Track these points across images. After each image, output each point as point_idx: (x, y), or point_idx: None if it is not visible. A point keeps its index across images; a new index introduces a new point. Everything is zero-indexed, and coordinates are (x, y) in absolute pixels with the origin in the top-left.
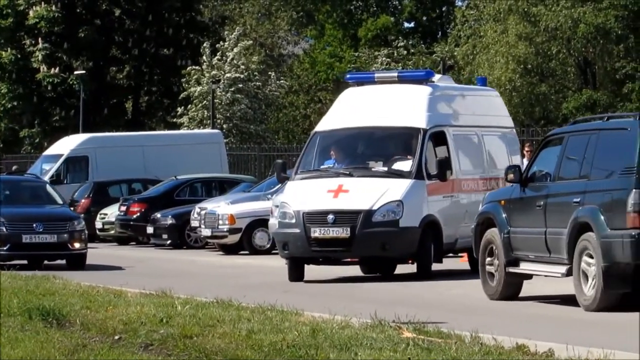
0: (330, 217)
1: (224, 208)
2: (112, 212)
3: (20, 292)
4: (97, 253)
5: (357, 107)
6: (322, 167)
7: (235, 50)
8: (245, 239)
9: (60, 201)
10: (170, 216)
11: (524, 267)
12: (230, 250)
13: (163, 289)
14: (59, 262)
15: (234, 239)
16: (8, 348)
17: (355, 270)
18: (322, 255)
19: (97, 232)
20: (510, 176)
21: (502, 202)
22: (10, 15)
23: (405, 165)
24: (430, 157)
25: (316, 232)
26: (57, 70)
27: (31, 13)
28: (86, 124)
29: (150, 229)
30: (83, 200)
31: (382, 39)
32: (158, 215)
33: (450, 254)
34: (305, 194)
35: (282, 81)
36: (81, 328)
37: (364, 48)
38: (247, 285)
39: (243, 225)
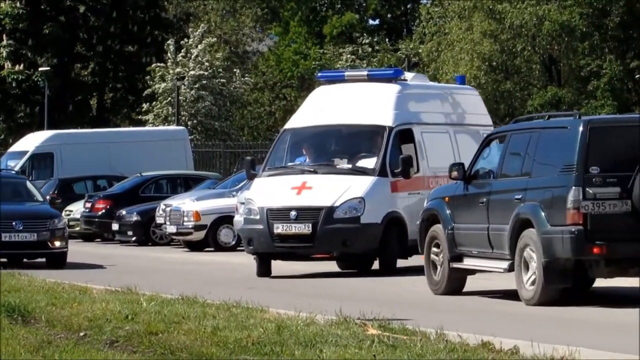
0: (293, 213)
1: (189, 205)
2: (77, 209)
3: None
4: None
5: (326, 105)
6: (290, 164)
7: (199, 47)
8: (210, 236)
9: (40, 198)
10: (135, 213)
11: (468, 263)
12: (195, 247)
13: (128, 286)
14: (39, 260)
15: (199, 235)
16: None
17: (323, 266)
18: (284, 251)
19: None
20: (454, 173)
21: (447, 198)
22: None
23: (369, 162)
24: (396, 154)
25: (279, 229)
26: (21, 67)
27: None
28: (51, 120)
29: (115, 226)
30: (48, 197)
31: (347, 36)
32: (123, 212)
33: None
34: (269, 191)
35: (246, 78)
36: (46, 325)
37: (329, 45)
38: (212, 282)
39: (208, 222)
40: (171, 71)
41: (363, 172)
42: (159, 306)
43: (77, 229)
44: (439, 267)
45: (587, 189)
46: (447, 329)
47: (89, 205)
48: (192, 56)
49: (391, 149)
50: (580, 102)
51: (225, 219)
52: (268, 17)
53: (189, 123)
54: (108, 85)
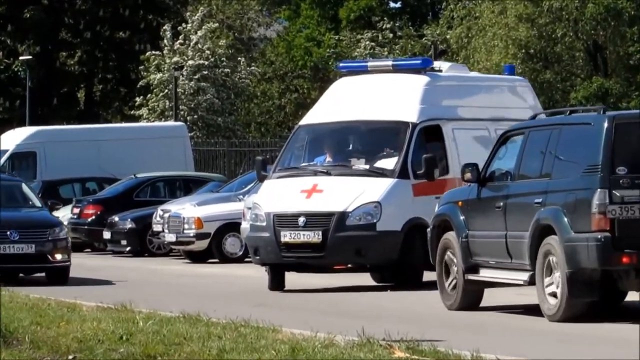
0: (302, 219)
1: (190, 210)
2: (63, 215)
3: None
4: None
5: (346, 99)
6: (304, 164)
7: (199, 33)
8: (214, 245)
9: (38, 204)
10: (129, 219)
11: (484, 274)
12: (197, 258)
13: (122, 303)
14: (37, 275)
15: (201, 245)
16: None
17: (343, 279)
18: (292, 262)
19: None
20: (467, 175)
21: (460, 203)
22: None
23: (389, 163)
24: (420, 154)
25: (286, 237)
26: (0, 55)
27: None
28: (33, 115)
29: (107, 234)
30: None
31: (365, 20)
32: (116, 218)
33: None
34: (277, 195)
35: (253, 68)
36: (31, 346)
37: (345, 31)
38: (217, 297)
39: (212, 229)
40: (168, 60)
41: (381, 173)
42: (157, 325)
43: None
44: (452, 280)
45: (613, 191)
46: (483, 351)
47: (76, 210)
48: (192, 43)
49: (414, 148)
50: (630, 94)
51: (230, 226)
52: None
53: (189, 118)
54: (97, 76)
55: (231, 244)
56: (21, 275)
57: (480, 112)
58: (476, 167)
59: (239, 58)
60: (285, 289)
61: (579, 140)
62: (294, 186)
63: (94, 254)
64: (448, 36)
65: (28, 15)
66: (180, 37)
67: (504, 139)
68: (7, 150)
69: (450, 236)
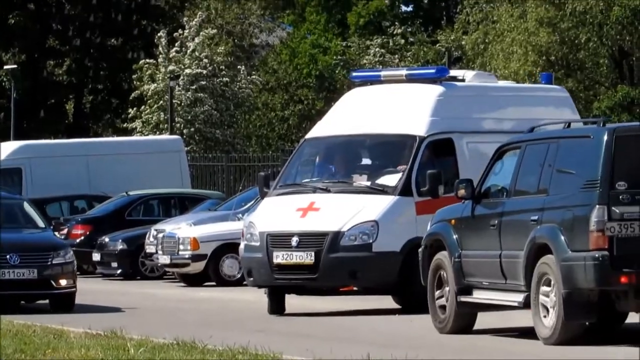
0: (295, 239)
1: (186, 230)
2: None
3: None
4: None
5: (355, 111)
6: (305, 180)
7: (197, 40)
8: (211, 268)
9: (42, 224)
10: (120, 240)
11: (478, 296)
12: (193, 281)
13: (112, 329)
14: (40, 302)
15: (197, 267)
16: None
17: (347, 302)
18: (285, 284)
19: None
20: (461, 192)
21: (453, 221)
22: None
23: (392, 179)
24: (429, 169)
25: (279, 257)
26: None
27: None
28: (19, 129)
29: (96, 256)
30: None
31: (375, 25)
32: (106, 239)
33: None
34: (273, 213)
35: (254, 77)
36: None
37: (354, 37)
38: (213, 323)
39: (208, 250)
40: (163, 69)
41: (382, 190)
42: (149, 353)
43: None
44: (444, 302)
45: (612, 207)
46: None
47: (64, 231)
48: (188, 51)
49: (420, 163)
50: None
51: (228, 247)
52: (279, 2)
53: (185, 131)
54: (87, 87)
55: (229, 266)
56: (23, 302)
57: (504, 124)
58: (470, 183)
59: (239, 66)
60: (287, 313)
61: (577, 154)
62: (290, 204)
63: (82, 277)
64: (463, 42)
65: (13, 22)
66: (177, 44)
67: (499, 154)
68: None
69: (443, 256)
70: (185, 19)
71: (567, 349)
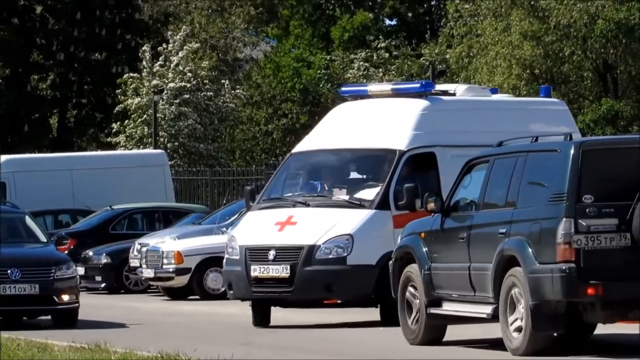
0: (272, 253)
1: (170, 244)
2: None
3: None
4: None
5: (341, 126)
6: (287, 195)
7: (180, 54)
8: (195, 281)
9: (43, 238)
10: (104, 254)
11: (447, 308)
12: (177, 294)
13: (96, 342)
14: (43, 318)
15: (181, 281)
16: None
17: (333, 315)
18: (262, 297)
19: None
20: (431, 205)
21: (423, 234)
22: None
23: (370, 193)
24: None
25: (256, 271)
26: None
27: None
28: (3, 143)
29: (80, 270)
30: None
31: (359, 39)
32: (90, 252)
33: None
34: (252, 227)
35: (238, 91)
36: None
37: (338, 50)
38: (197, 336)
39: (192, 264)
40: (147, 83)
41: (359, 204)
42: None
43: None
44: (415, 313)
45: (579, 220)
46: None
47: None
48: (172, 65)
49: (399, 177)
50: None
51: (213, 260)
52: (263, 17)
53: (169, 145)
54: (71, 101)
55: (213, 280)
56: (25, 318)
57: (493, 138)
58: (440, 196)
59: (223, 81)
60: (272, 325)
61: (544, 167)
62: (270, 218)
63: None
64: (447, 56)
65: None
66: (160, 58)
67: (468, 167)
68: None
69: (413, 269)
70: (169, 33)
71: None
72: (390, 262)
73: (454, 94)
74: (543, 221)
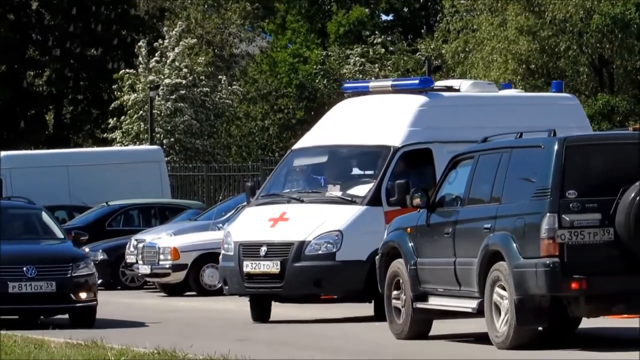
0: (263, 249)
1: (166, 240)
2: None
3: None
4: None
5: (341, 122)
6: (285, 191)
7: (176, 49)
8: (191, 277)
9: (60, 235)
10: (100, 250)
11: (433, 302)
12: (173, 290)
13: (93, 339)
14: (59, 317)
15: (178, 277)
16: None
17: (335, 310)
18: (254, 292)
19: None
20: (416, 201)
21: (409, 229)
22: None
23: (362, 189)
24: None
25: (248, 267)
26: None
27: None
28: None
29: None
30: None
31: (355, 34)
32: (86, 249)
33: None
34: (247, 223)
35: (234, 87)
36: None
37: (334, 46)
38: (194, 332)
39: (189, 260)
40: (143, 79)
41: (351, 200)
42: None
43: None
44: (401, 308)
45: (563, 215)
46: None
47: None
48: (168, 61)
49: (392, 173)
50: (638, 111)
51: (209, 256)
52: (259, 12)
53: (165, 141)
54: (67, 97)
55: (209, 276)
56: (42, 317)
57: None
58: (425, 192)
59: (220, 76)
60: (270, 320)
61: (528, 163)
62: (264, 214)
63: None
64: (443, 51)
65: None
66: (157, 54)
67: (454, 163)
68: None
69: (399, 264)
70: (165, 29)
71: (520, 353)
72: (377, 257)
73: (458, 90)
74: (527, 216)
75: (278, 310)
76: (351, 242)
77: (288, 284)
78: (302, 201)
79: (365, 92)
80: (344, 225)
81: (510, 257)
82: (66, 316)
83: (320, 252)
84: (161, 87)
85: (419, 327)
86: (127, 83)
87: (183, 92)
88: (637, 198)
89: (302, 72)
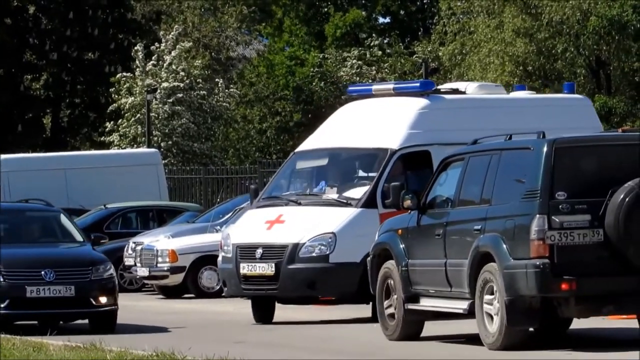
0: (259, 251)
1: (164, 243)
2: None
3: None
4: None
5: (343, 125)
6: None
7: (173, 53)
8: (189, 280)
9: (80, 238)
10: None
11: (424, 304)
12: (172, 293)
13: (92, 341)
14: (79, 322)
15: (176, 279)
16: None
17: (336, 312)
18: (250, 294)
19: None
20: (407, 202)
21: (400, 231)
22: None
23: (358, 192)
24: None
25: (245, 269)
26: None
27: None
28: None
29: None
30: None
31: (352, 37)
32: None
33: None
34: (245, 225)
35: (232, 90)
36: None
37: (331, 48)
38: (192, 334)
39: (187, 262)
40: (140, 82)
41: (346, 203)
42: None
43: None
44: (393, 310)
45: (552, 217)
46: None
47: None
48: (165, 64)
49: (388, 176)
50: (635, 113)
51: (207, 259)
52: (256, 15)
53: (163, 145)
54: (64, 101)
55: (208, 278)
56: (61, 322)
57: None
58: (416, 194)
59: (217, 79)
60: (273, 322)
61: (518, 165)
62: (262, 217)
63: None
64: (440, 53)
65: None
66: (153, 57)
67: (444, 165)
68: None
69: (390, 265)
70: (162, 32)
71: (510, 354)
72: (368, 259)
73: (464, 92)
74: (517, 218)
75: (276, 312)
76: (345, 244)
77: (282, 286)
78: (299, 203)
79: (368, 94)
80: (338, 227)
81: (501, 259)
82: (86, 321)
83: (314, 254)
84: (158, 91)
85: (411, 328)
86: (124, 86)
87: (180, 95)
88: (627, 199)
89: (299, 74)
